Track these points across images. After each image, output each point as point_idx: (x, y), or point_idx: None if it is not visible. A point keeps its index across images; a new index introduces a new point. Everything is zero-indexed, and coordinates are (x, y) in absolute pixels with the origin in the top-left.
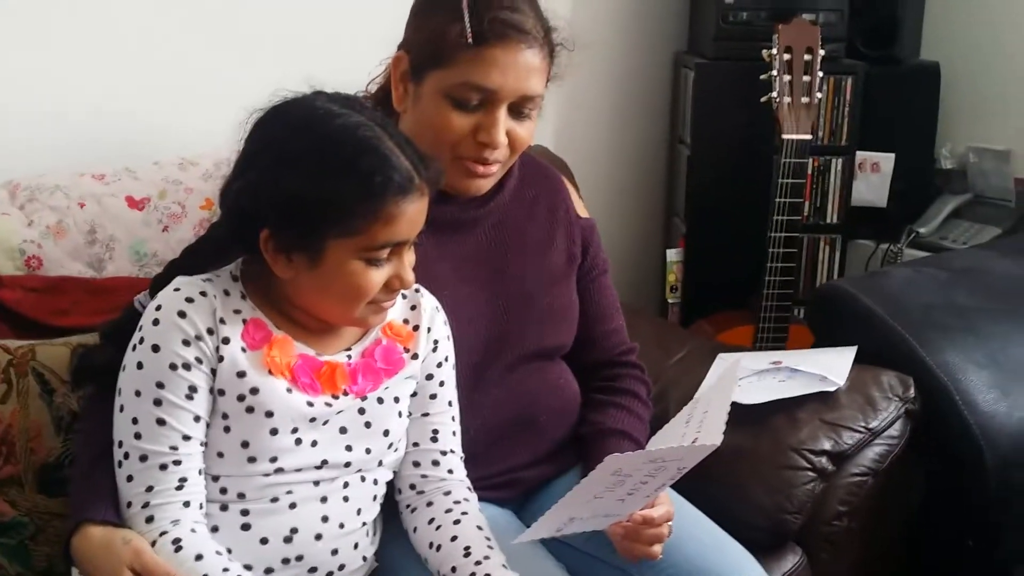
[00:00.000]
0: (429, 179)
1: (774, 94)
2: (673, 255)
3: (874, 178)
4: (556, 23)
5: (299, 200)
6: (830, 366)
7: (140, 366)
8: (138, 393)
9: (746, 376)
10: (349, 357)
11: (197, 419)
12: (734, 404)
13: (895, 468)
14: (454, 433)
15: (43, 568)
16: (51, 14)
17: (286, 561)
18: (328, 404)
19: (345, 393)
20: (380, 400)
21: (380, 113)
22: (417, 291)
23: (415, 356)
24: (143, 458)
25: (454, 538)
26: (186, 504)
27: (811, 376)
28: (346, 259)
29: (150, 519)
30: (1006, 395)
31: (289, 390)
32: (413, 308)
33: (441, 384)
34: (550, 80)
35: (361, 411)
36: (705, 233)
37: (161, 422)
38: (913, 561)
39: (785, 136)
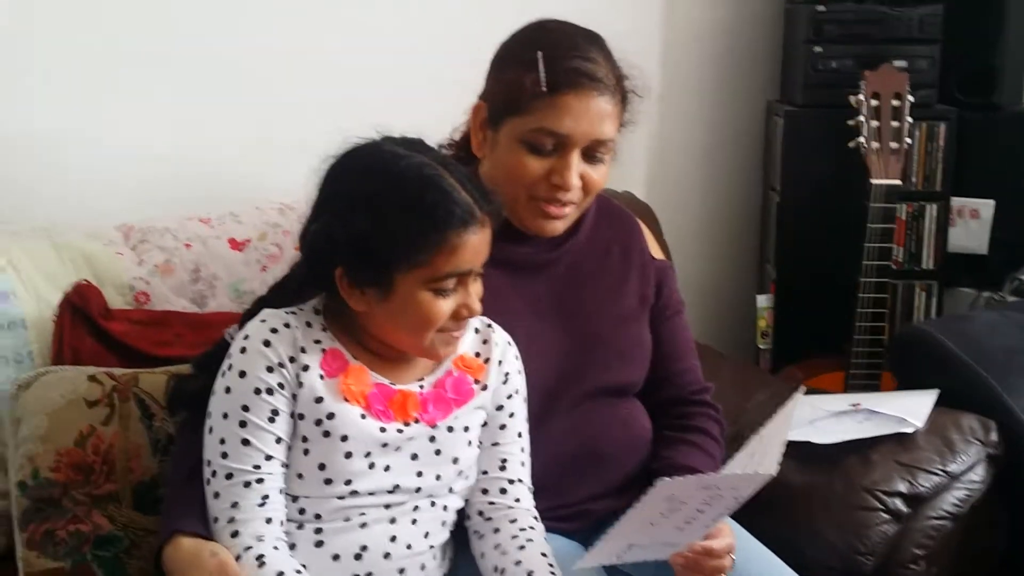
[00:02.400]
0: (490, 212)
1: (862, 139)
2: (764, 301)
3: (973, 224)
4: (629, 71)
5: (368, 238)
6: (908, 408)
7: (228, 390)
8: (225, 415)
9: (824, 417)
10: (421, 387)
11: (279, 441)
12: (809, 444)
13: (977, 513)
14: (523, 464)
15: None
16: (171, 68)
17: None
18: (400, 431)
19: (416, 421)
20: (450, 429)
21: (443, 153)
22: (489, 326)
23: (485, 387)
24: (229, 476)
25: (518, 563)
26: (268, 521)
27: (888, 418)
28: (414, 290)
29: (235, 534)
30: None
31: (363, 416)
32: (485, 342)
33: (511, 415)
34: (623, 125)
35: (432, 439)
36: (796, 279)
37: (246, 442)
38: None
39: (873, 181)
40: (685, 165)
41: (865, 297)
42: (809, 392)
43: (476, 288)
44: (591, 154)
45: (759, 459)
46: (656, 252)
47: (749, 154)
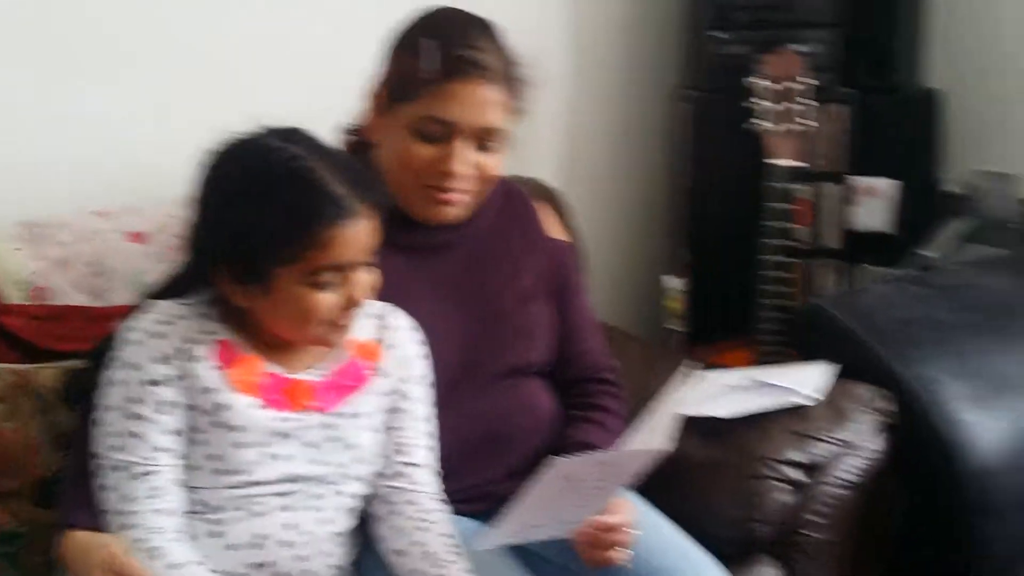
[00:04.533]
0: (374, 202)
1: (761, 122)
2: (675, 283)
3: (874, 203)
4: (521, 59)
5: (241, 235)
6: (806, 380)
7: (115, 382)
8: (113, 407)
9: (726, 392)
10: (316, 375)
11: (170, 432)
12: (710, 418)
13: (873, 482)
14: (425, 448)
15: (37, 574)
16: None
17: (258, 567)
18: (295, 419)
19: (311, 409)
20: (347, 415)
21: (322, 142)
22: (389, 311)
23: (382, 373)
24: (116, 468)
25: (417, 543)
26: (161, 512)
27: (786, 390)
28: (293, 285)
29: (126, 526)
30: (983, 407)
31: (257, 406)
32: (383, 327)
33: (411, 400)
34: (516, 114)
35: (328, 426)
36: (708, 261)
37: (133, 435)
38: (899, 574)
39: (773, 162)
40: (596, 150)
41: (769, 276)
42: (714, 368)
43: (362, 279)
44: (482, 143)
45: (654, 435)
46: (558, 234)
47: (658, 139)
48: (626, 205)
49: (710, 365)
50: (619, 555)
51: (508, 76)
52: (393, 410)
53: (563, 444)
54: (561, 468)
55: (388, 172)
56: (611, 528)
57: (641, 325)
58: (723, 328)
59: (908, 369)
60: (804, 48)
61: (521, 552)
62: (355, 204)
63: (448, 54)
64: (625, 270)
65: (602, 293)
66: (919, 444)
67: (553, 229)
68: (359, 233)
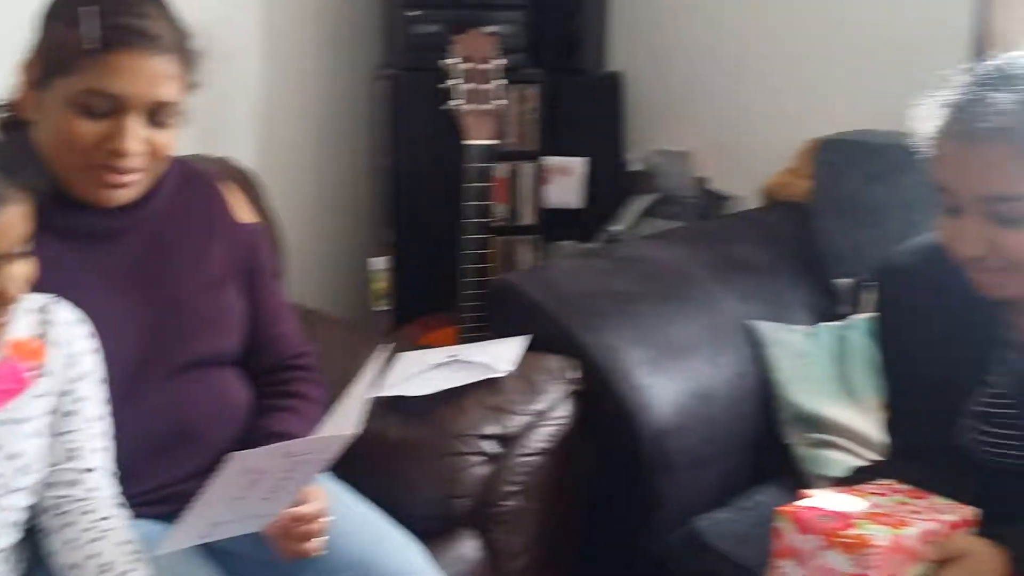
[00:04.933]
0: (23, 185)
1: (455, 102)
2: (379, 263)
3: (566, 181)
4: (192, 30)
5: None
6: (499, 354)
7: None
8: None
9: (423, 371)
10: None
11: None
12: (405, 398)
13: (567, 447)
14: (99, 450)
15: None
16: None
17: None
18: None
19: None
20: (7, 423)
21: None
22: (52, 304)
23: (47, 372)
24: None
25: (92, 556)
26: None
27: (479, 365)
28: None
29: None
30: (658, 370)
31: None
32: (45, 323)
33: (80, 400)
34: (191, 87)
35: None
36: (412, 240)
37: None
38: (594, 532)
39: (468, 141)
40: (294, 130)
41: (468, 254)
42: (421, 348)
43: (15, 271)
44: (154, 118)
45: (344, 420)
46: (247, 217)
47: (359, 119)
48: (328, 186)
49: (417, 344)
50: (313, 545)
51: (179, 47)
52: (61, 412)
53: (258, 435)
54: (242, 462)
55: (48, 151)
56: (303, 518)
57: (349, 308)
58: (429, 307)
59: (591, 338)
60: (495, 29)
61: (212, 550)
62: (1, 189)
63: (110, 22)
64: (330, 252)
65: (307, 277)
66: (604, 409)
67: (242, 211)
68: (8, 221)
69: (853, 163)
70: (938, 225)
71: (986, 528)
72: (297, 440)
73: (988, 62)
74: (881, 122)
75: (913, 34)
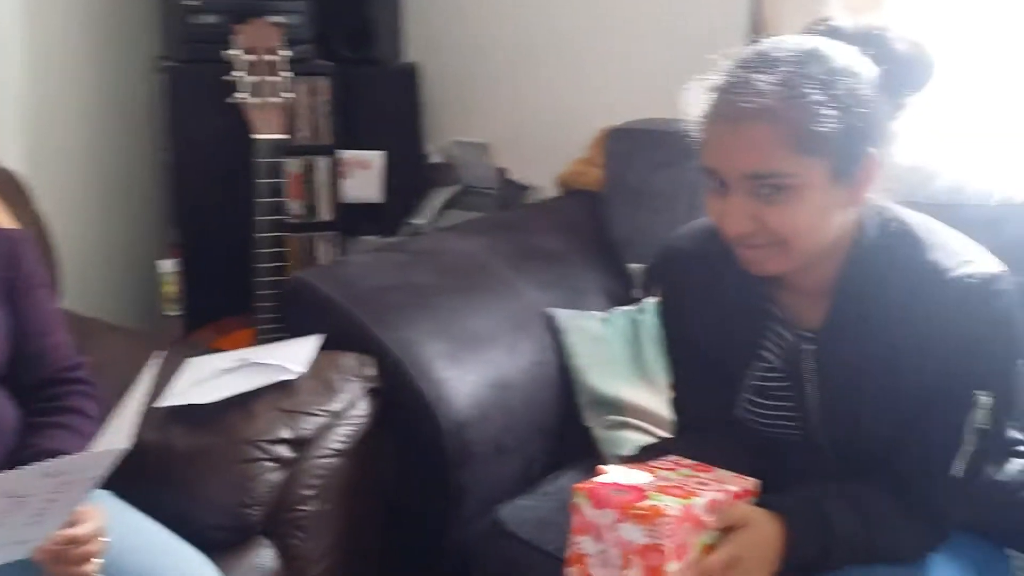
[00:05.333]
0: None
1: (241, 95)
2: (168, 266)
3: (364, 175)
4: None
5: None
6: (292, 355)
7: None
8: None
9: (213, 376)
10: None
11: None
12: (193, 406)
13: (364, 447)
14: None
15: None
16: None
17: None
18: None
19: None
20: None
21: None
22: None
23: None
24: None
25: None
26: None
27: (271, 367)
28: None
29: None
30: (456, 362)
31: None
32: None
33: None
34: None
35: None
36: (200, 240)
37: None
38: (400, 529)
39: (256, 136)
40: (67, 128)
41: (263, 252)
42: (215, 352)
43: None
44: None
45: (114, 434)
46: (6, 223)
47: (139, 114)
48: (110, 186)
49: (212, 349)
50: (89, 568)
51: None
52: None
53: (28, 454)
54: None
55: None
56: (77, 541)
57: (140, 314)
58: (223, 310)
59: (389, 333)
60: (279, 19)
61: None
62: None
63: None
64: (116, 256)
65: (92, 283)
66: (404, 404)
67: (1, 217)
68: None
69: (641, 151)
70: (708, 206)
71: (765, 497)
72: (59, 459)
73: (751, 46)
74: (668, 111)
75: (696, 24)
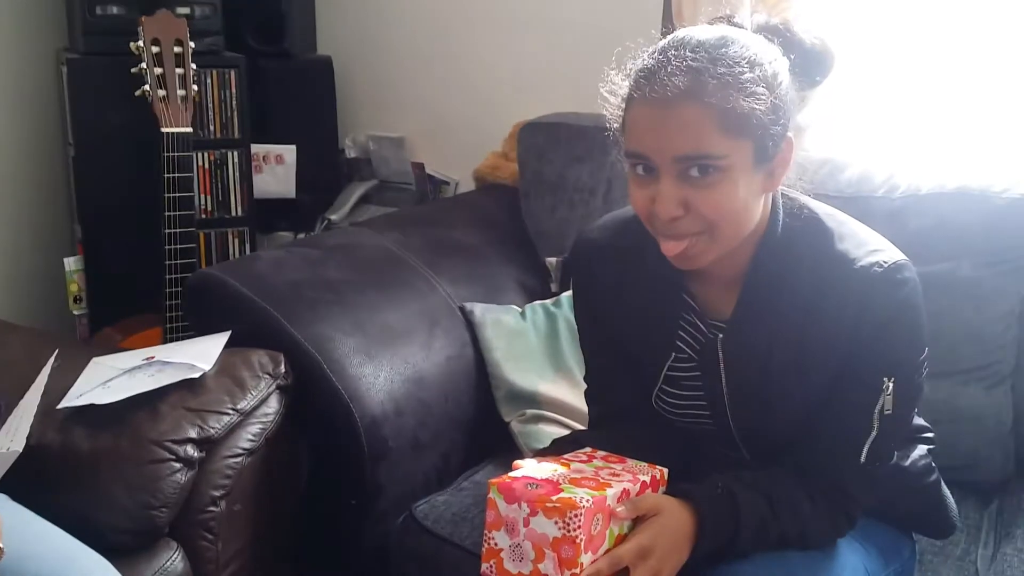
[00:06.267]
0: None
1: (147, 88)
2: (73, 263)
3: (279, 170)
4: None
5: None
6: (198, 353)
7: None
8: None
9: (117, 376)
10: None
11: None
12: (95, 406)
13: (275, 445)
14: None
15: None
16: None
17: None
18: None
19: None
20: None
21: None
22: None
23: None
24: None
25: None
26: None
27: (178, 365)
28: None
29: None
30: (371, 358)
31: None
32: None
33: None
34: None
35: None
36: (105, 236)
37: None
38: (310, 530)
39: (164, 130)
40: None
41: (172, 249)
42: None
43: None
44: None
45: (7, 436)
46: None
47: (44, 107)
48: (15, 181)
49: (118, 348)
50: None
51: None
52: None
53: None
54: None
55: None
56: None
57: (49, 313)
58: (131, 307)
59: (301, 329)
60: (186, 11)
61: None
62: None
63: None
64: (21, 254)
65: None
66: (318, 401)
67: None
68: None
69: (556, 145)
70: (632, 193)
71: (675, 486)
72: None
73: (671, 33)
74: (583, 104)
75: (609, 19)
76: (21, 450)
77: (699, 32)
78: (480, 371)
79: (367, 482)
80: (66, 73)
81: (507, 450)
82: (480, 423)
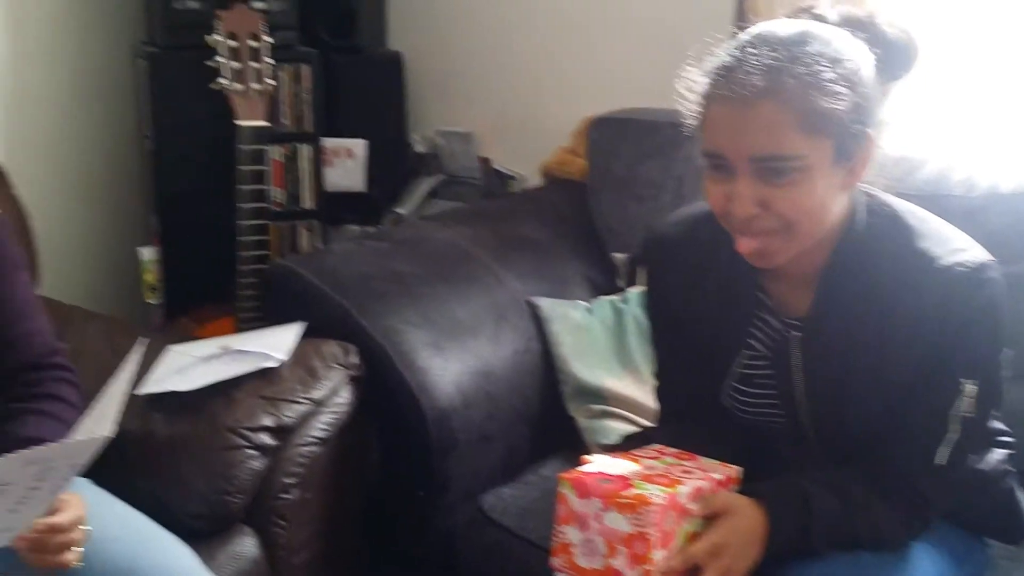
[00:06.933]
0: None
1: (224, 81)
2: (148, 253)
3: (349, 163)
4: None
5: None
6: (273, 343)
7: None
8: None
9: (194, 364)
10: None
11: None
12: (174, 393)
13: (346, 435)
14: None
15: None
16: None
17: None
18: None
19: None
20: None
21: None
22: None
23: None
24: None
25: None
26: None
27: (253, 355)
28: None
29: None
30: (440, 351)
31: None
32: None
33: None
34: None
35: None
36: (181, 228)
37: None
38: (377, 520)
39: (239, 123)
40: (47, 115)
41: (245, 240)
42: (195, 340)
43: None
44: None
45: (97, 422)
46: None
47: (120, 100)
48: (89, 172)
49: (192, 337)
50: (70, 556)
51: None
52: None
53: (6, 441)
54: None
55: None
56: (58, 529)
57: (121, 302)
58: (204, 297)
59: (372, 321)
60: (262, 5)
61: None
62: None
63: None
64: (97, 244)
65: (73, 271)
66: (387, 392)
67: None
68: None
69: (625, 140)
70: (708, 191)
71: (748, 485)
72: (42, 447)
73: (749, 28)
74: (653, 99)
75: (680, 13)
76: (111, 436)
77: (779, 27)
78: (546, 365)
79: (435, 474)
80: (145, 66)
81: (572, 445)
82: (545, 417)
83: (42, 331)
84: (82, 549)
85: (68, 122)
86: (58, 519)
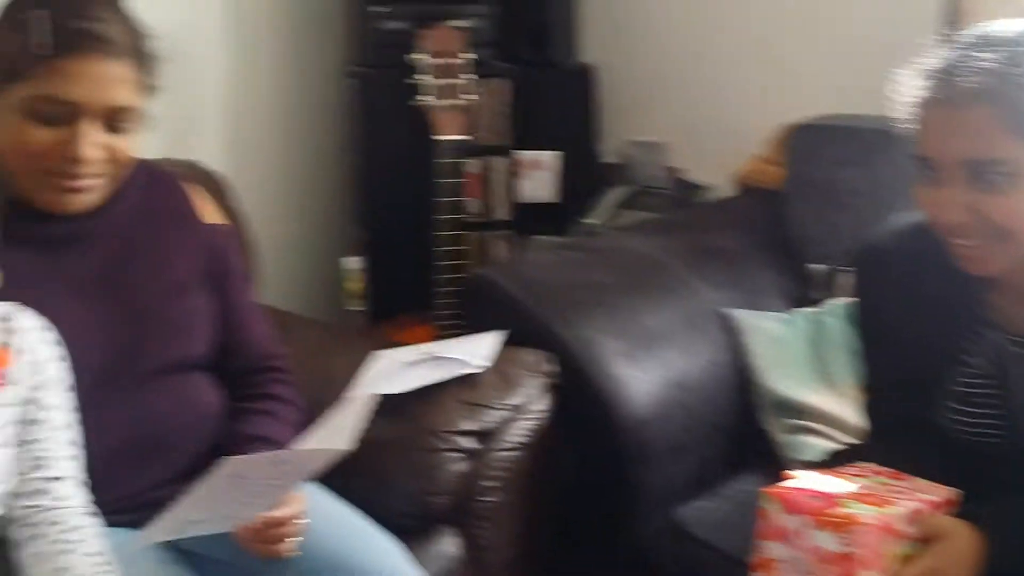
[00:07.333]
0: None
1: (425, 98)
2: (352, 263)
3: (539, 175)
4: (150, 32)
5: None
6: (474, 350)
7: None
8: None
9: (400, 369)
10: None
11: None
12: (381, 396)
13: (544, 441)
14: (68, 459)
15: None
16: None
17: None
18: None
19: None
20: None
21: None
22: (13, 311)
23: (12, 381)
24: None
25: (60, 569)
26: None
27: (454, 361)
28: None
29: None
30: (635, 361)
31: None
32: (9, 330)
33: (48, 408)
34: (149, 91)
35: None
36: (384, 239)
37: None
38: (571, 526)
39: (439, 137)
40: (262, 131)
41: (443, 251)
42: (395, 347)
43: None
44: (111, 123)
45: (338, 433)
46: (215, 219)
47: (328, 117)
48: (298, 186)
49: (392, 343)
50: (286, 547)
51: (135, 50)
52: (27, 421)
53: (233, 438)
54: (232, 466)
55: (3, 159)
56: (278, 522)
57: (322, 309)
58: (404, 305)
59: (568, 330)
60: (463, 23)
61: (182, 553)
62: None
63: (62, 27)
64: (302, 253)
65: (279, 278)
66: (581, 401)
67: (209, 213)
68: None
69: (824, 148)
70: (919, 197)
71: (965, 508)
72: (290, 451)
73: (968, 29)
74: (851, 106)
75: (882, 16)
76: (350, 449)
77: (999, 28)
78: (740, 377)
79: (627, 483)
80: (353, 84)
81: (766, 459)
82: (739, 430)
83: (264, 337)
84: (298, 540)
85: (283, 138)
86: (280, 512)
